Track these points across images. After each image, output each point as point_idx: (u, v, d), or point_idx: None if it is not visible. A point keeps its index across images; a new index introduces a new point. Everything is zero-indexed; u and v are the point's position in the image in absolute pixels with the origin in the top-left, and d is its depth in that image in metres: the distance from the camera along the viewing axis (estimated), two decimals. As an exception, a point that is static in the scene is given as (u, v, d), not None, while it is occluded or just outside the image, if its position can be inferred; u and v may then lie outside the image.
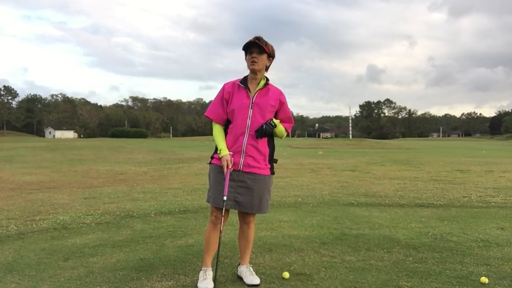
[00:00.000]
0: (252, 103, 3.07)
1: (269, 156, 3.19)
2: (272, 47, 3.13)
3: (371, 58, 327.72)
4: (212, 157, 3.19)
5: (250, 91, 3.09)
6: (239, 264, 3.33)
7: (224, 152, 3.04)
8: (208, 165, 3.23)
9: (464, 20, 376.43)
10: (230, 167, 3.03)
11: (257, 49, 3.03)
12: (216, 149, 3.14)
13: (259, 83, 3.12)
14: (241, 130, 3.07)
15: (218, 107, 3.15)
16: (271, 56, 3.13)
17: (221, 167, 3.06)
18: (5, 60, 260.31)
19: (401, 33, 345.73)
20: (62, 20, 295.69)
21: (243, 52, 3.14)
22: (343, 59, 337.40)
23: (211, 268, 3.16)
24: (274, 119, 3.12)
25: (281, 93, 3.20)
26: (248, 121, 3.06)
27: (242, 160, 3.06)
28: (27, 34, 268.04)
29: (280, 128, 3.18)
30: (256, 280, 3.15)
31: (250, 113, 3.06)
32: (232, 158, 3.06)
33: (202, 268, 3.17)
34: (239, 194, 3.07)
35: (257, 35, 3.07)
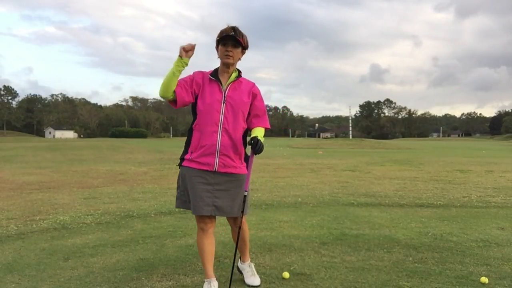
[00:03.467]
0: (224, 97, 2.86)
1: (244, 154, 3.00)
2: (246, 38, 2.93)
3: (374, 58, 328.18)
4: (182, 159, 2.92)
5: (221, 84, 2.89)
6: (240, 261, 3.30)
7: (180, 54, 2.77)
8: (178, 167, 2.97)
9: (470, 20, 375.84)
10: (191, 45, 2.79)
11: (232, 41, 2.82)
12: (185, 150, 2.93)
13: (230, 75, 2.93)
14: (213, 127, 2.82)
15: (182, 81, 2.86)
16: (245, 48, 2.95)
17: (197, 170, 2.83)
18: (7, 60, 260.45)
19: (405, 33, 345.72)
20: (62, 19, 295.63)
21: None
22: (346, 59, 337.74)
23: (215, 278, 3.01)
24: (259, 137, 2.87)
25: (253, 85, 3.02)
26: (221, 117, 2.83)
27: (217, 160, 2.82)
28: (27, 33, 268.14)
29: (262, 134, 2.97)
30: (256, 282, 3.14)
31: (223, 108, 2.84)
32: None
33: (206, 280, 2.98)
34: (217, 198, 2.84)
35: (233, 25, 2.87)
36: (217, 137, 2.83)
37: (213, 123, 2.83)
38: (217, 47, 2.92)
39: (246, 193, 2.90)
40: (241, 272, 3.27)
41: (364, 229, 4.92)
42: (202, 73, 2.96)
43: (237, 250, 3.12)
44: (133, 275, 3.35)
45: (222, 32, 2.86)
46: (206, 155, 2.82)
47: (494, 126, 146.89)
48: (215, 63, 3.02)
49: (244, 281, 3.19)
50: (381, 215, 5.84)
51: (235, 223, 3.05)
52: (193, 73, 2.97)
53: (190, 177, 2.85)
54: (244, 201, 2.91)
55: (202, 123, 2.85)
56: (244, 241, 3.20)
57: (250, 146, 2.86)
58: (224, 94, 2.88)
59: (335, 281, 3.21)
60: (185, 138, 3.01)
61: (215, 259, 3.62)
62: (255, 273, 3.23)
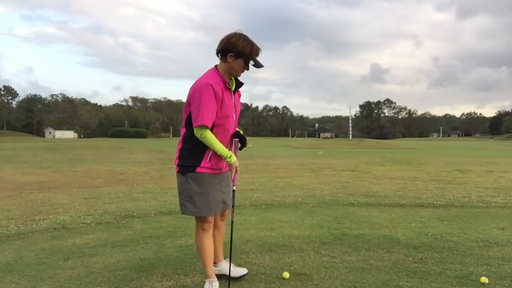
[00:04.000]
0: (234, 106, 2.99)
1: None
2: None
3: (375, 58, 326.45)
4: (196, 165, 2.90)
5: (232, 93, 2.98)
6: (218, 263, 3.31)
7: (234, 158, 2.93)
8: (184, 175, 2.93)
9: (470, 21, 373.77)
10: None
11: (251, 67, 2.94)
12: (199, 157, 2.89)
13: (230, 81, 3.00)
14: (230, 134, 3.00)
15: (215, 114, 2.81)
16: None
17: (212, 174, 2.94)
18: (8, 60, 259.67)
19: (405, 33, 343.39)
20: (62, 19, 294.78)
21: None
22: (346, 59, 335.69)
23: (216, 278, 3.07)
24: (242, 133, 3.15)
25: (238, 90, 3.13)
26: (234, 125, 3.04)
27: (225, 164, 3.02)
28: (27, 33, 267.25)
29: None
30: (244, 270, 3.26)
31: (234, 115, 3.00)
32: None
33: (207, 280, 3.03)
34: (224, 194, 3.05)
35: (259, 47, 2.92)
36: (229, 142, 3.05)
37: (231, 130, 3.01)
38: (234, 56, 2.82)
39: (234, 188, 3.08)
40: (222, 275, 3.23)
41: (364, 229, 4.92)
42: (219, 84, 2.83)
43: (215, 250, 3.19)
44: (133, 275, 3.36)
45: (250, 51, 2.82)
46: (220, 161, 2.96)
47: (494, 126, 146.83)
48: (215, 62, 2.96)
49: (235, 278, 3.18)
50: (381, 215, 5.84)
51: (222, 217, 3.26)
52: (212, 86, 2.78)
53: (208, 181, 2.93)
54: (233, 196, 3.10)
55: (222, 133, 2.91)
56: (223, 236, 3.32)
57: (237, 140, 3.09)
58: (233, 101, 2.98)
59: (335, 281, 3.21)
60: None
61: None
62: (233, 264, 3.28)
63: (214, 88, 2.77)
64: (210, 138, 2.81)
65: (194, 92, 2.80)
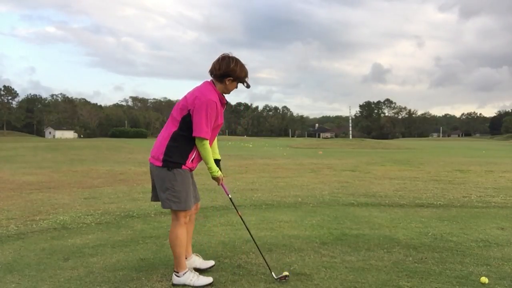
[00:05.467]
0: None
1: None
2: None
3: (376, 58, 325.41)
4: (182, 163, 3.12)
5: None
6: (186, 258, 3.40)
7: (220, 173, 3.27)
8: (170, 170, 3.09)
9: (473, 21, 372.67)
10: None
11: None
12: (185, 156, 3.14)
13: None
14: (214, 138, 3.33)
15: (211, 128, 3.14)
16: None
17: (190, 172, 3.22)
18: (10, 60, 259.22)
19: (407, 33, 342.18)
20: (62, 19, 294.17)
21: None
22: (348, 59, 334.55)
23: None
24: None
25: None
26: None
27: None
28: (27, 33, 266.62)
29: None
30: (212, 262, 3.51)
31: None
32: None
33: (185, 272, 3.16)
34: (195, 189, 3.36)
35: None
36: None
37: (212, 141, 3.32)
38: (232, 80, 3.16)
39: (230, 196, 3.38)
40: (195, 270, 3.37)
41: (364, 229, 4.92)
42: (217, 100, 3.14)
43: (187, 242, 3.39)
44: (133, 275, 3.36)
45: (244, 75, 3.20)
46: (195, 164, 3.25)
47: (494, 126, 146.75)
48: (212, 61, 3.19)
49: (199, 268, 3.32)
50: (381, 215, 5.84)
51: (195, 210, 3.47)
52: (215, 104, 3.09)
53: (188, 177, 3.19)
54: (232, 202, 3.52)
55: (210, 138, 3.20)
56: (192, 229, 3.52)
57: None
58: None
59: (335, 281, 3.21)
60: None
61: (215, 259, 3.63)
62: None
63: (217, 105, 3.12)
64: (208, 151, 3.16)
65: (201, 105, 3.04)
